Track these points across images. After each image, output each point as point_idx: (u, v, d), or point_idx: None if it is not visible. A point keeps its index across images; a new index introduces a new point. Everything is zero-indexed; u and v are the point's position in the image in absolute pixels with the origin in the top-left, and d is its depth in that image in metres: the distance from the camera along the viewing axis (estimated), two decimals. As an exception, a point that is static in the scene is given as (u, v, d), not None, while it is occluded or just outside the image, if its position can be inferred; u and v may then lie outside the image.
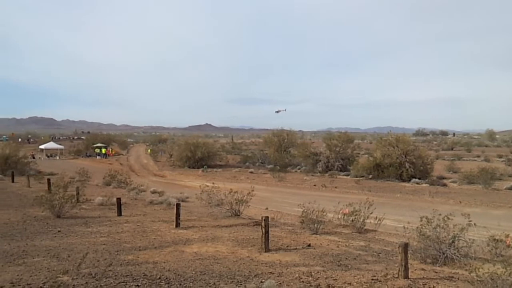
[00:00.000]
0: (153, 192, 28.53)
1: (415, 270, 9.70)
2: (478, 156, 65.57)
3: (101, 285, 8.04)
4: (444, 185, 35.88)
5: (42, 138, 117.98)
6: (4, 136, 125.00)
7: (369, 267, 10.18)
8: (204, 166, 54.46)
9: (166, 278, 8.68)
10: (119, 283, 8.25)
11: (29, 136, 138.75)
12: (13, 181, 32.24)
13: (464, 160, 60.72)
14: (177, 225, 15.41)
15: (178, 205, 16.01)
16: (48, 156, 71.41)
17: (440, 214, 11.21)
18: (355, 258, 11.19)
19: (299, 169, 52.19)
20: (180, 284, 8.31)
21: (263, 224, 11.70)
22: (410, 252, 9.94)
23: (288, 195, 30.58)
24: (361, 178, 40.99)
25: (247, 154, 70.50)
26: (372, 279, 8.89)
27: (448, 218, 11.01)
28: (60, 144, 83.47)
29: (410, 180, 37.70)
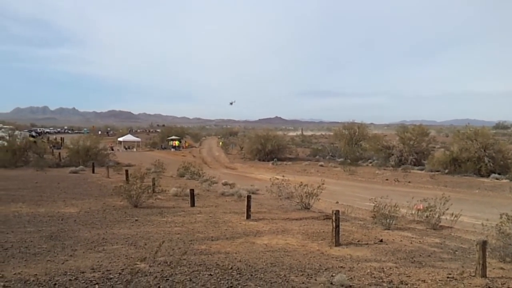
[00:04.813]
0: (225, 184, 29.09)
1: (493, 269, 9.29)
2: None
3: (176, 273, 8.35)
4: (527, 181, 33.73)
5: (120, 130, 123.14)
6: (85, 129, 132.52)
7: (444, 264, 9.88)
8: (274, 159, 54.70)
9: (238, 269, 8.88)
10: (193, 271, 8.54)
11: (108, 128, 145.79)
12: (93, 172, 33.96)
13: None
14: (248, 216, 15.66)
15: (249, 197, 16.26)
16: (126, 148, 74.26)
17: (521, 211, 10.66)
18: (429, 255, 10.88)
19: (370, 163, 51.04)
20: (251, 275, 8.47)
21: (333, 218, 11.65)
22: (489, 250, 9.52)
23: (359, 189, 30.10)
24: (436, 172, 39.48)
25: (317, 147, 69.93)
26: (448, 277, 8.61)
27: (530, 216, 10.47)
28: (137, 137, 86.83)
29: (489, 176, 35.77)
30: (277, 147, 57.96)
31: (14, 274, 8.16)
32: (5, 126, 66.80)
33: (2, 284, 7.60)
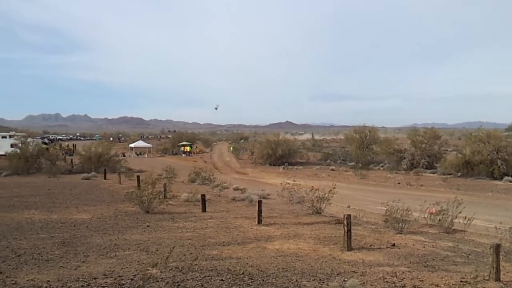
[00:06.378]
0: (236, 189, 29.08)
1: (507, 272, 9.18)
2: None
3: (187, 279, 8.36)
4: (541, 183, 33.34)
5: (132, 137, 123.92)
6: (97, 136, 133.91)
7: (457, 268, 9.77)
8: (285, 164, 54.62)
9: (249, 274, 8.86)
10: (204, 277, 8.54)
11: (120, 135, 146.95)
12: (105, 178, 34.18)
13: None
14: (259, 221, 15.62)
15: (260, 202, 16.24)
16: (137, 154, 74.74)
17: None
18: (442, 259, 10.77)
19: (382, 166, 50.85)
20: (263, 280, 8.45)
21: (345, 222, 11.59)
22: (502, 253, 9.43)
23: (371, 193, 29.93)
24: (449, 176, 39.15)
25: (328, 151, 69.83)
26: (461, 281, 8.52)
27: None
28: (148, 143, 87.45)
29: (502, 178, 35.42)
30: (288, 151, 58.00)
31: (27, 280, 8.23)
32: (17, 134, 67.31)
33: (15, 290, 7.65)
